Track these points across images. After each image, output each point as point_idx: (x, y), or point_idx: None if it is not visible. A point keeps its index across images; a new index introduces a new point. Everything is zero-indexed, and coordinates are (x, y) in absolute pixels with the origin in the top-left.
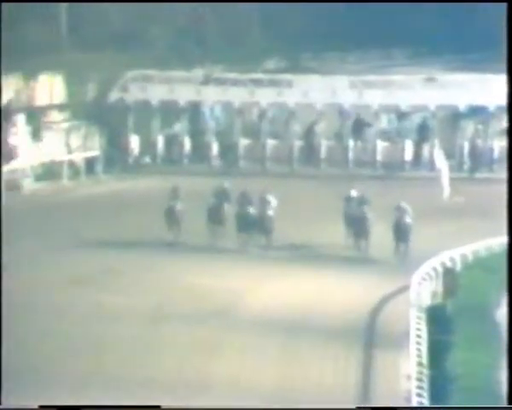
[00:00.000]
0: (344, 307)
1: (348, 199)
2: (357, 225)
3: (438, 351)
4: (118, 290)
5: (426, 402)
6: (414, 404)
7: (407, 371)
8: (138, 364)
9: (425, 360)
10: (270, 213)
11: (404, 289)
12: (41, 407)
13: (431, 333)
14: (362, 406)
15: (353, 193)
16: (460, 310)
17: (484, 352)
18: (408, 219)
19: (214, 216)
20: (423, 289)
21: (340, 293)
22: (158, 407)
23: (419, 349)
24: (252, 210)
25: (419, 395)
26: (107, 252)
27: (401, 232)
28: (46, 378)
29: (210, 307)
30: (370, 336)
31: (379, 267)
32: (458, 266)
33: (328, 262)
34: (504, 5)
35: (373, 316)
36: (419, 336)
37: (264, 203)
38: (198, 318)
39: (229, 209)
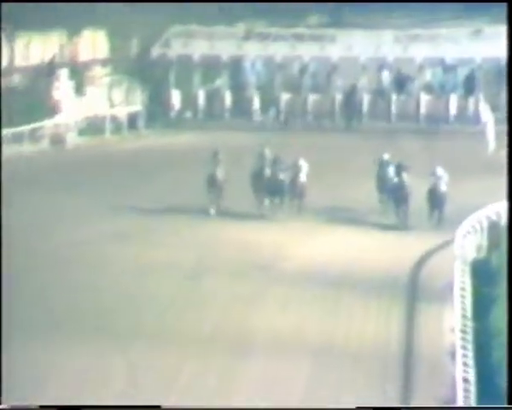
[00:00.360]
0: (386, 262)
1: (382, 163)
2: (396, 193)
3: (482, 304)
4: (158, 246)
5: (470, 355)
6: (458, 357)
7: (451, 324)
8: (178, 318)
9: (469, 313)
10: (302, 179)
11: (449, 243)
12: (41, 406)
13: (475, 286)
14: (361, 406)
15: (386, 157)
16: (504, 264)
17: None
18: (443, 187)
19: (256, 183)
20: (468, 242)
21: (381, 248)
22: (158, 406)
23: (463, 302)
24: (283, 176)
25: (463, 348)
26: (148, 208)
27: (436, 200)
28: (84, 332)
29: (251, 261)
30: (414, 289)
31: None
32: (503, 220)
33: (368, 224)
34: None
35: (416, 270)
36: (463, 289)
37: (296, 169)
38: (239, 272)
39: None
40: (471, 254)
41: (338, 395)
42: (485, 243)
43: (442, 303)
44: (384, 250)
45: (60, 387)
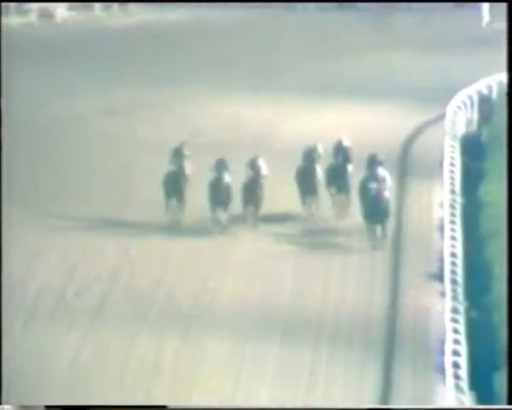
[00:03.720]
0: (376, 137)
1: None
2: None
3: (471, 179)
4: (150, 122)
5: (458, 230)
6: (446, 232)
7: (440, 200)
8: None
9: (458, 188)
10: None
11: (439, 118)
12: (47, 407)
13: (465, 161)
14: (361, 407)
15: None
16: (495, 138)
17: None
18: None
19: None
20: (458, 117)
21: (371, 124)
22: (164, 406)
23: (452, 177)
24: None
25: (452, 223)
26: (139, 83)
27: None
28: (75, 206)
29: (243, 136)
30: (404, 165)
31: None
32: (495, 94)
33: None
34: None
35: (406, 146)
36: (452, 165)
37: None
38: (231, 146)
39: None
40: (461, 130)
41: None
42: (475, 117)
43: (432, 179)
44: (375, 123)
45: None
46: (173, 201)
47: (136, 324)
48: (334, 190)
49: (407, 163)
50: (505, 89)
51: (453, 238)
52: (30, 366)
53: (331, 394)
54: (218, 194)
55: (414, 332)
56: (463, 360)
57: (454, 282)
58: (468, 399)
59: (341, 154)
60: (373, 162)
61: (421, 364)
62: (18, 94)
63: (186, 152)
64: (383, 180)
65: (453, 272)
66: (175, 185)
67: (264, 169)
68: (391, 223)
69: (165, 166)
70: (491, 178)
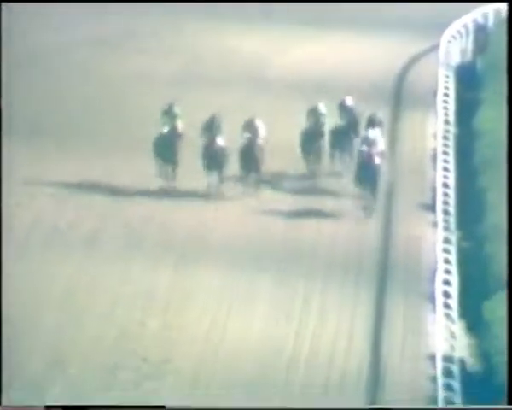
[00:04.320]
0: (370, 69)
1: None
2: None
3: (465, 109)
4: (142, 51)
5: (451, 160)
6: (439, 162)
7: (434, 130)
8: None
9: (452, 118)
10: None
11: (434, 48)
12: (47, 406)
13: (459, 92)
14: (360, 407)
15: None
16: (490, 68)
17: None
18: None
19: None
20: (453, 47)
21: (365, 55)
22: (163, 407)
23: (446, 107)
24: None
25: (445, 153)
26: (132, 12)
27: None
28: (72, 137)
29: (237, 70)
30: (398, 95)
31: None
32: (491, 22)
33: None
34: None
35: (401, 77)
36: (446, 95)
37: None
38: (226, 82)
39: None
40: (456, 60)
41: None
42: (470, 47)
43: (425, 109)
44: (369, 53)
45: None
46: (167, 166)
47: (129, 254)
48: (337, 153)
49: (401, 94)
50: (502, 17)
51: (446, 169)
52: (24, 296)
53: (324, 324)
54: (212, 157)
55: (406, 262)
56: (454, 290)
57: (446, 212)
58: (457, 328)
59: (346, 114)
60: (371, 123)
61: (412, 293)
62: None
63: (177, 111)
64: (374, 143)
65: (445, 203)
66: (168, 149)
67: (261, 130)
68: (381, 188)
69: (156, 98)
70: (486, 107)
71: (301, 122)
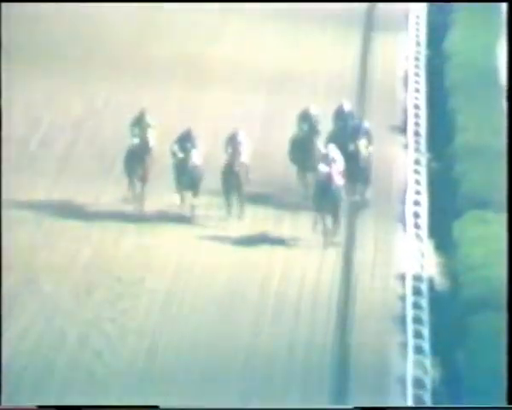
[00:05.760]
0: None
1: None
2: None
3: (437, 30)
4: None
5: (422, 81)
6: (410, 84)
7: (405, 52)
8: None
9: (423, 40)
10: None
11: None
12: (39, 407)
13: (431, 13)
14: (360, 406)
15: None
16: None
17: (484, 30)
18: None
19: None
20: None
21: None
22: (156, 407)
23: (417, 29)
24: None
25: (416, 75)
26: None
27: None
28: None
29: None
30: (370, 17)
31: None
32: None
33: None
34: None
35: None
36: (418, 17)
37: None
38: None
39: None
40: None
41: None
42: None
43: (397, 31)
44: None
45: None
46: (136, 180)
47: (101, 176)
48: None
49: (373, 16)
50: None
51: (417, 90)
52: None
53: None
54: (186, 176)
55: (377, 183)
56: (424, 210)
57: (417, 134)
58: (427, 247)
59: (341, 119)
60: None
61: (383, 214)
62: None
63: (149, 120)
64: (334, 161)
65: (416, 124)
66: (138, 162)
67: (245, 145)
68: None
69: None
70: (457, 28)
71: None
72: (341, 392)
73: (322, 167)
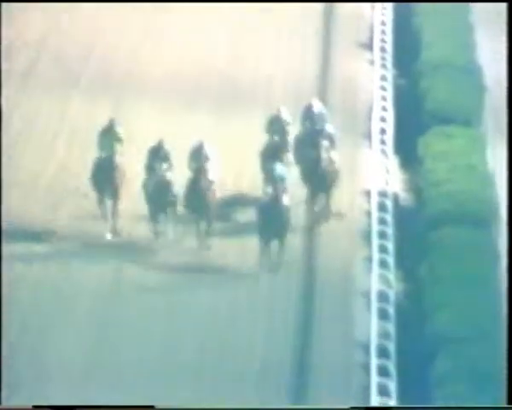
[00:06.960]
0: None
1: None
2: None
3: None
4: None
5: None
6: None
7: None
8: None
9: None
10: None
11: None
12: (35, 406)
13: None
14: (358, 406)
15: None
16: None
17: None
18: None
19: None
20: None
21: None
22: (152, 406)
23: None
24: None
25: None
26: None
27: None
28: None
29: None
30: None
31: None
32: None
33: None
34: None
35: None
36: None
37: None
38: None
39: None
40: None
41: None
42: None
43: None
44: None
45: None
46: (107, 198)
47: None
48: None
49: None
50: None
51: (383, 7)
52: None
53: None
54: (157, 196)
55: (343, 101)
56: (390, 126)
57: (383, 50)
58: (392, 163)
59: (310, 120)
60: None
61: (349, 131)
62: None
63: (119, 131)
64: (282, 180)
65: (382, 41)
66: (106, 177)
67: (211, 160)
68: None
69: None
70: None
71: None
72: (307, 310)
73: (270, 189)
